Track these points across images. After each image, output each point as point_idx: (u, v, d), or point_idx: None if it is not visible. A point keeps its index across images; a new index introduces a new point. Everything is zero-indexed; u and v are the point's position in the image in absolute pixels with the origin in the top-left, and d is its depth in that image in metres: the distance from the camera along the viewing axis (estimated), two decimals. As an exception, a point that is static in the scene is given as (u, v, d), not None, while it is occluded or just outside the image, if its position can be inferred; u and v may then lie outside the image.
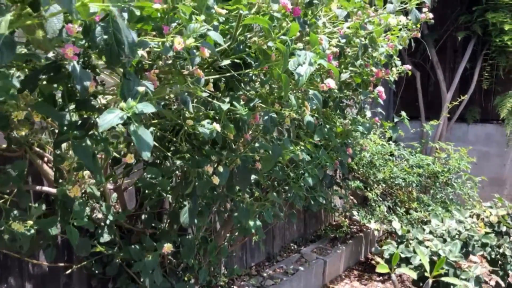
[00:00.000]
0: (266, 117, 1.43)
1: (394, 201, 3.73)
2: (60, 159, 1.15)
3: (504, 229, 2.50)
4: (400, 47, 2.36)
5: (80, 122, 1.09)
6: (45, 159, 1.70)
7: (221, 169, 1.48)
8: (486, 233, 2.45)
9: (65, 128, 1.01)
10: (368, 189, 3.64)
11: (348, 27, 1.75)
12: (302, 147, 1.78)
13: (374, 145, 3.68)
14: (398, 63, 2.55)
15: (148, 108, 0.90)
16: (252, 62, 1.41)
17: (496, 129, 4.79)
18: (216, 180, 1.47)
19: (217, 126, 1.27)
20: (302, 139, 1.80)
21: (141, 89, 0.88)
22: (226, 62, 1.29)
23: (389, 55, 2.31)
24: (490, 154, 4.83)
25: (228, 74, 1.34)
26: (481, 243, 2.43)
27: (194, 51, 1.01)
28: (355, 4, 1.67)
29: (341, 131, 2.41)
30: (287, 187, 2.52)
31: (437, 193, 3.74)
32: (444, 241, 2.41)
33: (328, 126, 2.31)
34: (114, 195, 2.02)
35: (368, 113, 2.67)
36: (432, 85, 5.17)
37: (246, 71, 1.36)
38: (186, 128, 1.32)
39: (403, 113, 2.33)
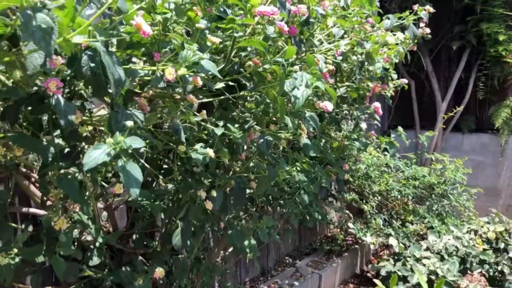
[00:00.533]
0: (261, 141, 1.38)
1: (390, 213, 3.69)
2: (45, 191, 1.09)
3: (502, 245, 2.46)
4: (396, 61, 2.33)
5: (65, 151, 1.04)
6: (32, 179, 1.64)
7: (214, 193, 1.43)
8: (484, 249, 2.42)
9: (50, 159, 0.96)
10: (364, 201, 3.59)
11: (346, 45, 1.71)
12: (299, 168, 1.73)
13: (369, 156, 3.65)
14: (394, 76, 2.52)
15: (137, 142, 0.84)
16: (247, 84, 1.37)
17: (491, 138, 4.77)
18: (209, 205, 1.42)
19: (210, 152, 1.22)
20: (297, 158, 1.75)
21: (129, 123, 0.82)
22: (220, 85, 1.24)
23: (385, 68, 2.28)
24: (485, 163, 4.82)
25: (222, 97, 1.29)
26: (479, 260, 2.39)
27: (187, 76, 0.96)
28: (353, 23, 1.62)
29: (337, 146, 2.36)
30: (282, 201, 2.47)
31: (433, 205, 3.71)
32: (442, 258, 2.37)
33: (323, 140, 2.27)
34: (105, 213, 1.96)
35: (364, 125, 2.64)
36: (426, 94, 5.16)
37: (241, 93, 1.32)
38: (178, 152, 1.27)
39: (400, 129, 2.29)
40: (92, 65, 0.86)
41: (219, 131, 1.24)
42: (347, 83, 2.23)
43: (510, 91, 4.67)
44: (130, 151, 0.83)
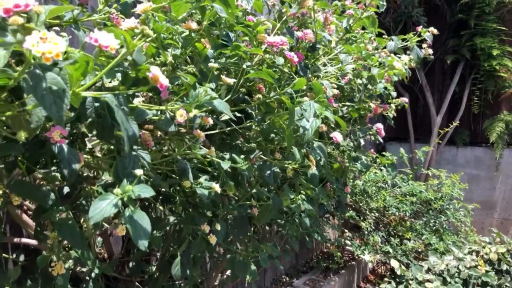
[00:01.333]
0: (268, 172, 1.32)
1: (388, 229, 3.65)
2: (42, 237, 1.02)
3: (505, 267, 2.44)
4: (396, 79, 2.30)
5: (65, 193, 0.97)
6: (25, 207, 1.56)
7: (218, 227, 1.37)
8: (487, 271, 2.39)
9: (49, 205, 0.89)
10: (361, 218, 3.55)
11: (351, 69, 1.67)
12: (303, 195, 1.68)
13: (367, 172, 3.61)
14: (394, 93, 2.49)
15: (146, 191, 0.78)
16: (253, 113, 1.31)
17: (485, 152, 4.78)
18: (213, 239, 1.36)
19: (216, 187, 1.16)
20: (302, 184, 1.70)
21: (138, 172, 0.76)
22: (226, 117, 1.19)
23: (385, 87, 2.25)
24: (480, 177, 4.82)
25: (228, 129, 1.23)
26: (481, 281, 2.35)
27: (197, 115, 0.91)
28: (360, 49, 1.59)
29: (337, 167, 2.32)
30: (281, 222, 2.41)
31: (430, 221, 3.68)
32: (444, 280, 2.33)
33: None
34: (99, 239, 1.89)
35: (361, 141, 2.60)
36: (421, 107, 5.16)
37: (247, 124, 1.26)
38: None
39: (402, 150, 2.26)
40: (97, 104, 0.80)
41: (225, 164, 1.18)
42: (348, 103, 2.20)
43: (503, 105, 4.69)
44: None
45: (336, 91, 1.71)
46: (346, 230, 3.56)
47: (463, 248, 2.65)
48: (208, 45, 1.02)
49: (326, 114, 1.29)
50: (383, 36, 2.24)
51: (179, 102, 0.87)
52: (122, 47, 0.63)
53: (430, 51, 2.08)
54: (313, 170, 1.36)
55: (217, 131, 1.25)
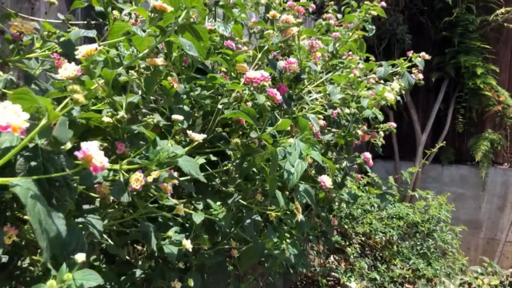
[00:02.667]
0: (248, 221, 1.17)
1: (374, 254, 3.52)
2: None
3: (498, 301, 2.33)
4: (384, 102, 2.19)
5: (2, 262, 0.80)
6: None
7: (191, 282, 1.20)
8: (480, 305, 2.27)
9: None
10: (347, 242, 3.42)
11: (339, 99, 1.54)
12: (288, 239, 1.52)
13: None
14: (380, 117, 2.37)
15: (92, 278, 0.62)
16: (231, 154, 1.16)
17: (470, 170, 4.71)
18: (185, 297, 1.19)
19: (187, 244, 1.00)
20: (287, 227, 1.55)
21: (80, 258, 0.59)
22: (201, 161, 1.03)
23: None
24: (465, 196, 4.74)
25: (202, 174, 1.08)
26: (474, 317, 2.23)
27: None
28: (349, 79, 1.45)
29: (323, 197, 2.18)
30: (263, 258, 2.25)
31: (418, 244, 3.57)
32: (436, 316, 2.20)
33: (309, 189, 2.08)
34: None
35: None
36: (405, 124, 5.08)
37: (223, 168, 1.11)
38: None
39: (391, 178, 2.13)
40: (34, 164, 0.63)
41: (198, 217, 1.02)
42: (334, 129, 2.06)
43: (488, 123, 4.65)
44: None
45: (322, 122, 1.57)
46: (331, 257, 3.41)
47: (454, 278, 2.53)
48: (176, 84, 0.86)
49: (313, 155, 1.14)
50: (370, 59, 2.13)
51: (137, 159, 0.71)
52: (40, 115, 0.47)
53: (421, 76, 1.98)
54: (300, 217, 1.21)
55: (189, 177, 1.09)
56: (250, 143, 1.10)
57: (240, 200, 1.22)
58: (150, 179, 0.69)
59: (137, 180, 0.67)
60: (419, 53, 1.95)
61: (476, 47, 4.36)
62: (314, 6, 2.39)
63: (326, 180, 1.16)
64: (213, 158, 1.07)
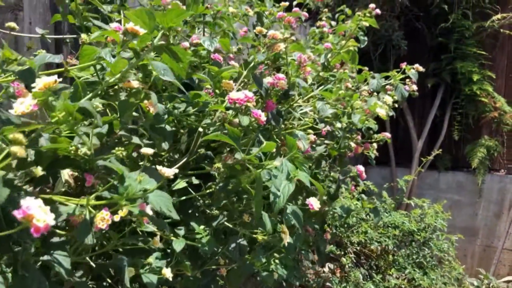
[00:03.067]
0: (233, 245, 1.12)
1: (370, 264, 3.48)
2: None
3: (494, 315, 2.28)
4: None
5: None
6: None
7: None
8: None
9: None
10: (342, 252, 3.37)
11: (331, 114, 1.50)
12: (278, 254, 1.47)
13: (347, 203, 3.44)
14: (375, 127, 2.33)
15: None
16: (215, 175, 1.12)
17: (467, 177, 4.67)
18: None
19: (167, 273, 0.95)
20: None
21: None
22: (182, 185, 0.99)
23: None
24: (461, 203, 4.71)
25: (183, 198, 1.03)
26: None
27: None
28: (340, 95, 1.41)
29: (316, 211, 2.13)
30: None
31: (414, 253, 3.52)
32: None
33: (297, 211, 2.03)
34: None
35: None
36: (401, 130, 5.04)
37: (207, 191, 1.06)
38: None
39: (384, 193, 2.09)
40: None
41: (179, 245, 0.98)
42: (327, 141, 2.02)
43: (484, 130, 4.62)
44: None
45: (313, 137, 1.53)
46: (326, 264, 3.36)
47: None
48: (153, 108, 0.82)
49: (301, 176, 1.10)
50: (364, 68, 2.09)
51: (108, 192, 0.67)
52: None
53: (415, 87, 1.94)
54: (288, 239, 1.17)
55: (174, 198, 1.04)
56: (235, 165, 1.06)
57: (225, 222, 1.18)
58: (117, 218, 0.64)
59: (103, 219, 0.62)
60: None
61: (472, 53, 4.33)
62: (307, 14, 2.35)
63: (313, 203, 1.11)
64: (195, 181, 1.03)
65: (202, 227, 1.11)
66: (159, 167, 0.69)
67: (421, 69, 1.82)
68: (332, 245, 3.33)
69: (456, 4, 4.22)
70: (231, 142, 0.93)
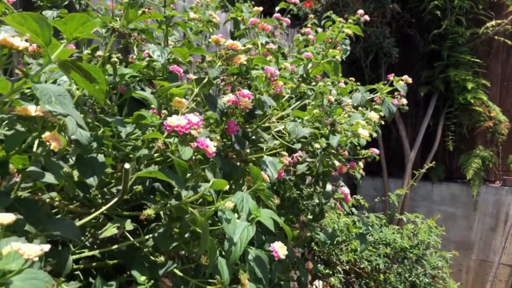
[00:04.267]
0: (182, 299, 0.92)
1: (360, 283, 3.28)
2: None
3: None
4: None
5: None
6: None
7: None
8: None
9: None
10: (331, 271, 3.17)
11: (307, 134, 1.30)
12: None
13: (336, 220, 3.25)
14: (363, 140, 2.14)
15: None
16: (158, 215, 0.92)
17: (461, 189, 4.50)
18: None
19: None
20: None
21: None
22: (111, 233, 0.79)
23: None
24: (456, 215, 4.53)
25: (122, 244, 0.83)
26: None
27: None
28: (315, 114, 1.22)
29: (297, 235, 1.94)
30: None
31: (406, 272, 3.33)
32: None
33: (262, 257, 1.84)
34: None
35: (329, 186, 2.24)
36: (393, 140, 4.86)
37: (148, 235, 0.87)
38: None
39: (372, 216, 1.90)
40: None
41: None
42: (308, 160, 1.83)
43: (479, 139, 4.45)
44: None
45: (287, 160, 1.34)
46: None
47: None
48: (55, 143, 0.63)
49: (263, 219, 0.90)
50: (350, 79, 1.91)
51: None
52: None
53: (404, 101, 1.75)
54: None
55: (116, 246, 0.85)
56: (182, 205, 0.87)
57: (175, 270, 0.98)
58: None
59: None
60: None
61: (466, 61, 4.17)
62: (288, 20, 2.16)
63: (279, 250, 0.91)
64: (129, 227, 0.83)
65: (143, 278, 0.91)
66: (15, 245, 0.48)
67: (410, 80, 1.64)
68: (319, 264, 3.13)
69: (449, 10, 4.06)
70: (169, 181, 0.74)
